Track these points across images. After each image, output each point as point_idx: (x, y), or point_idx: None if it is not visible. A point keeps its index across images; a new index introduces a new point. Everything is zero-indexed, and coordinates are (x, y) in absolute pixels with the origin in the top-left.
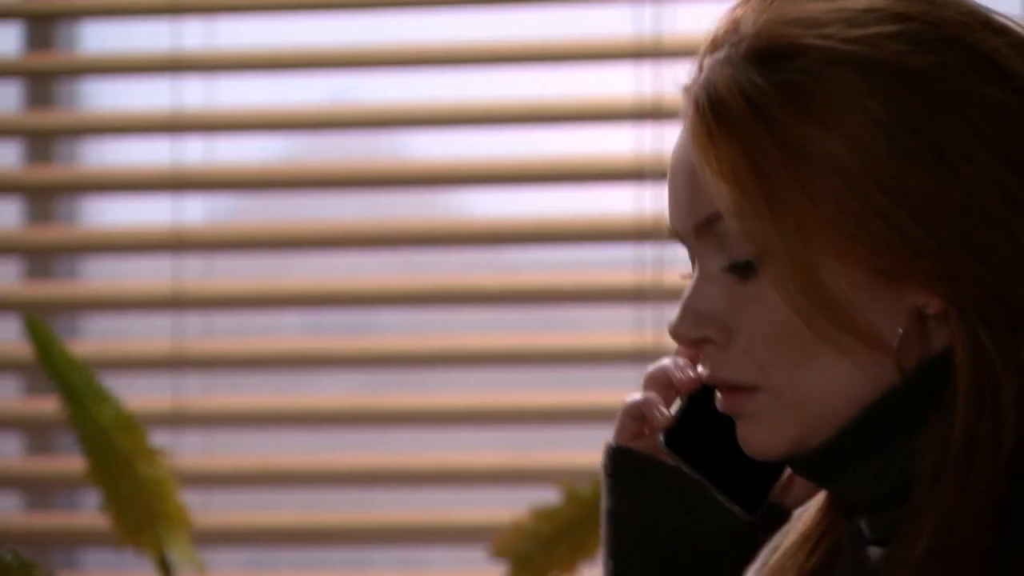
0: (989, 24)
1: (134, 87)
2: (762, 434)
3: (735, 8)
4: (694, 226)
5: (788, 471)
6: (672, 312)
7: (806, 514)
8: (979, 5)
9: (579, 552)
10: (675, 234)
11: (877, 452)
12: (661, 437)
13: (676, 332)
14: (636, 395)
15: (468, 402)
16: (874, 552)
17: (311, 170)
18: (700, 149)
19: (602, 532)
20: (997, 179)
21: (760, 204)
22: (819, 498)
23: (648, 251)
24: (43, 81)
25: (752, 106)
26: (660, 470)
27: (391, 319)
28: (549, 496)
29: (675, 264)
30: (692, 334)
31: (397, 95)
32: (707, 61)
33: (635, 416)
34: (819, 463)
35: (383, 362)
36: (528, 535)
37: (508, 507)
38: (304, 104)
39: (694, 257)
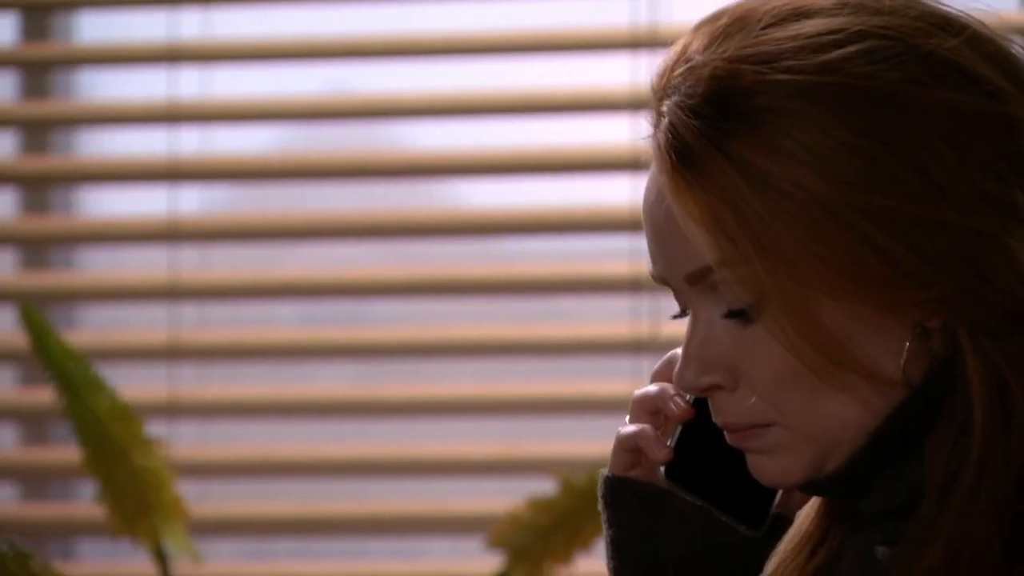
0: (942, 24)
1: (130, 77)
2: (777, 466)
3: (684, 43)
4: (685, 276)
5: None
6: (665, 302)
7: (804, 513)
8: (929, 2)
9: (575, 542)
10: (663, 282)
11: (889, 469)
12: (661, 470)
13: (684, 383)
14: (629, 427)
15: (464, 392)
16: (881, 552)
17: (307, 160)
18: (679, 202)
19: (607, 562)
20: (980, 188)
21: (748, 250)
22: (816, 498)
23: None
24: (39, 71)
25: (724, 153)
26: (659, 497)
27: (387, 309)
28: (545, 486)
29: None
30: (700, 383)
31: (393, 85)
32: (666, 105)
33: (630, 448)
34: (833, 487)
35: (379, 352)
36: (524, 525)
37: (504, 497)
38: (300, 94)
39: (685, 302)
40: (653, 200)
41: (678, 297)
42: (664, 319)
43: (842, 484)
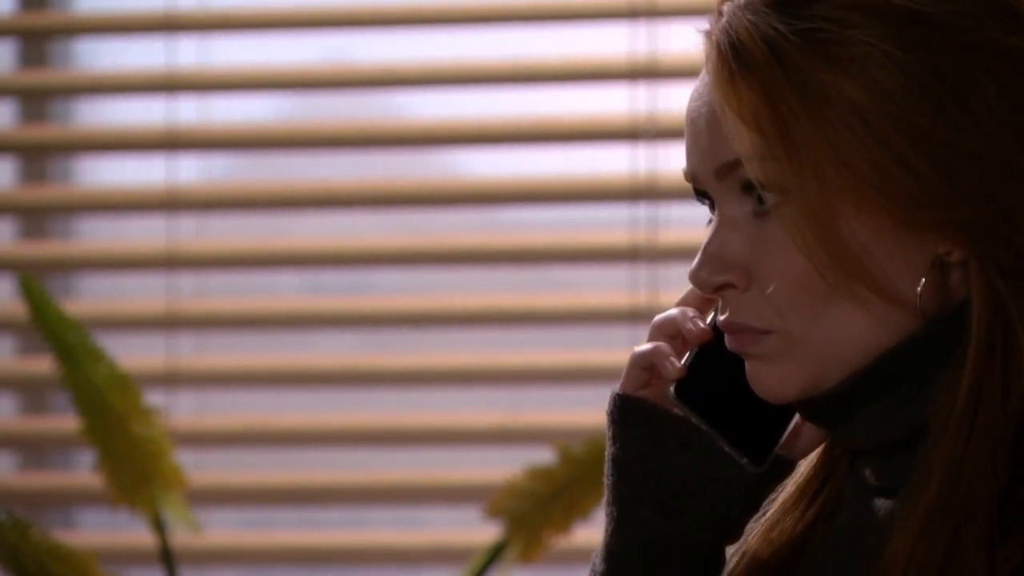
0: None
1: (129, 46)
2: (774, 375)
3: None
4: (715, 169)
5: (794, 423)
6: (663, 272)
7: (803, 464)
8: None
9: (573, 511)
10: (694, 179)
11: (888, 398)
12: (671, 388)
13: (697, 278)
14: (645, 345)
15: (464, 362)
16: (882, 504)
17: (306, 129)
18: (721, 93)
19: (606, 479)
20: (1015, 128)
21: (779, 148)
22: (817, 448)
23: (642, 211)
24: (38, 40)
25: (774, 53)
26: (666, 419)
27: (387, 279)
28: (544, 456)
29: (669, 224)
30: (713, 280)
31: (393, 54)
32: (727, 6)
33: (644, 366)
34: (830, 407)
35: (379, 322)
36: (523, 495)
37: (503, 467)
38: (299, 63)
39: (712, 202)
40: (697, 98)
41: (708, 198)
42: (663, 289)
43: (838, 404)
